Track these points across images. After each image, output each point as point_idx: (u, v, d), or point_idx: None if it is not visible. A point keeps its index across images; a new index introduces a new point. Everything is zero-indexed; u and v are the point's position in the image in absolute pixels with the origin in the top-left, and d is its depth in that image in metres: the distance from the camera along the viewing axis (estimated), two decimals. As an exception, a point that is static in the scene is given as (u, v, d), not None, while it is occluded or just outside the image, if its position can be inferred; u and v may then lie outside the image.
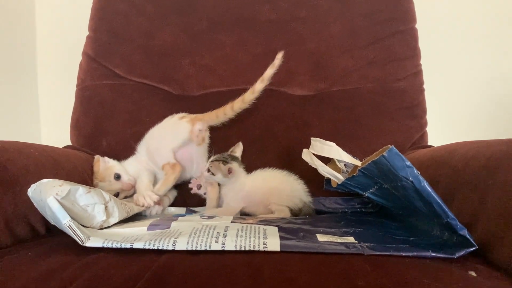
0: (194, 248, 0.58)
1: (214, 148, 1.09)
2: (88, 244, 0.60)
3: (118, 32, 1.22)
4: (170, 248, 0.59)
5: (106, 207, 0.71)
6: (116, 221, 0.73)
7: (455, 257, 0.56)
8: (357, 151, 1.03)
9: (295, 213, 0.96)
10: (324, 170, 0.89)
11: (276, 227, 0.67)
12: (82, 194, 0.67)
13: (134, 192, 1.00)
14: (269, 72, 1.09)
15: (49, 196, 0.61)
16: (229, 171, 0.97)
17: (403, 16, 1.19)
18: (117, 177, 1.00)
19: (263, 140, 1.14)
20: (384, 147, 0.65)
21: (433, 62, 1.29)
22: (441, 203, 0.60)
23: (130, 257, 0.57)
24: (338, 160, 0.98)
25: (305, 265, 0.54)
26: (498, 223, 0.58)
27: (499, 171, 0.61)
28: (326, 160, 0.94)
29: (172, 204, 1.09)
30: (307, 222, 0.77)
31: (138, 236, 0.64)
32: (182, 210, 1.07)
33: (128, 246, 0.59)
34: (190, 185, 1.10)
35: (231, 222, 0.71)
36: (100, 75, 1.20)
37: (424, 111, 1.16)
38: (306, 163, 0.93)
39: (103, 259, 0.57)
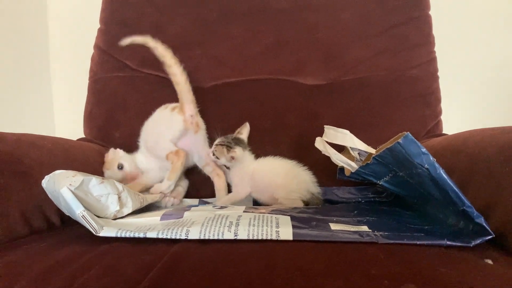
0: (206, 237, 0.59)
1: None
2: (102, 233, 0.61)
3: (129, 24, 1.22)
4: (183, 237, 0.59)
5: (119, 197, 0.71)
6: (130, 211, 0.73)
7: (471, 245, 0.55)
8: (370, 141, 1.01)
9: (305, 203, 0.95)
10: (338, 158, 0.88)
11: (289, 217, 0.66)
12: (95, 185, 0.67)
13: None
14: None
15: (63, 187, 0.62)
16: (232, 158, 0.97)
17: (417, 3, 1.17)
18: (121, 167, 1.00)
19: (275, 130, 1.14)
20: (400, 134, 0.65)
21: (447, 49, 1.26)
22: (457, 190, 0.58)
23: (143, 247, 0.57)
24: (351, 148, 0.97)
25: (318, 253, 0.54)
26: (515, 210, 0.57)
27: (516, 158, 0.59)
28: (340, 149, 0.93)
29: (185, 196, 1.09)
30: (320, 211, 0.76)
31: (151, 226, 0.64)
32: (195, 201, 1.07)
33: (141, 235, 0.60)
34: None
35: (244, 211, 0.71)
36: (112, 67, 1.21)
37: (438, 99, 1.14)
38: (318, 153, 0.92)
39: (117, 248, 0.58)
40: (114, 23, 1.24)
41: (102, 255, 0.55)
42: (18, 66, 1.43)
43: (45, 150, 0.78)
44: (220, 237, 0.58)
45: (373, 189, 0.99)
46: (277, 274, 0.48)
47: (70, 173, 0.66)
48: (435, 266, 0.49)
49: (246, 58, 1.19)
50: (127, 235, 0.60)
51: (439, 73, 1.16)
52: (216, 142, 1.01)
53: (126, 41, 1.06)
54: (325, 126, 0.92)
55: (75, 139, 1.14)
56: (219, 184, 1.06)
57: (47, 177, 0.66)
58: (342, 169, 0.96)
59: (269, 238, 0.58)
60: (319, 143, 0.91)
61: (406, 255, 0.53)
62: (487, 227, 0.56)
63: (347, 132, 0.88)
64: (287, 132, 1.13)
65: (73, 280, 0.48)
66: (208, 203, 1.05)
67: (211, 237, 0.58)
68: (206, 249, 0.55)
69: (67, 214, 0.66)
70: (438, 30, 1.18)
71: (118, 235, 0.60)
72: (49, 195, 0.67)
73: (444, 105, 1.16)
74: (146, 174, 1.05)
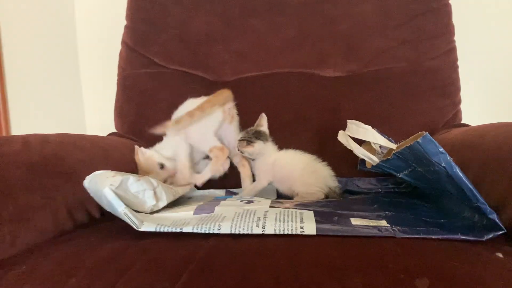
0: (237, 232, 0.64)
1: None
2: (143, 228, 0.66)
3: (155, 21, 1.27)
4: (216, 231, 0.64)
5: (154, 192, 0.77)
6: (165, 204, 0.79)
7: (484, 239, 0.59)
8: (390, 132, 1.04)
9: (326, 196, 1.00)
10: (360, 152, 0.92)
11: (312, 212, 0.71)
12: (132, 183, 0.73)
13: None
14: None
15: (105, 187, 0.67)
16: (252, 152, 1.04)
17: (436, -7, 1.18)
18: (161, 166, 1.05)
19: (296, 122, 1.18)
20: (419, 133, 0.68)
21: (468, 35, 1.27)
22: (472, 188, 0.62)
23: (180, 241, 0.63)
24: (373, 142, 1.00)
25: (339, 248, 0.58)
26: (526, 207, 0.60)
27: (529, 155, 0.62)
28: (361, 140, 0.96)
29: (212, 187, 1.15)
30: (341, 205, 0.81)
31: (185, 220, 0.70)
32: (222, 191, 1.13)
33: (178, 230, 0.65)
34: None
35: (270, 206, 0.76)
36: (140, 63, 1.26)
37: (457, 89, 1.16)
38: (339, 145, 0.96)
39: (156, 244, 0.63)
40: (139, 20, 1.29)
41: (144, 250, 0.61)
42: (48, 64, 1.50)
43: (86, 150, 0.85)
44: (249, 232, 0.63)
45: (392, 179, 1.03)
46: (302, 268, 0.53)
47: (109, 173, 0.72)
48: (449, 259, 0.53)
49: (267, 52, 1.23)
50: (165, 230, 0.66)
51: (459, 62, 1.18)
52: (239, 137, 1.07)
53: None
54: (348, 120, 0.95)
55: (105, 133, 1.21)
56: (244, 173, 1.13)
57: (88, 178, 0.71)
58: (363, 160, 1.00)
59: (294, 233, 0.63)
60: (342, 137, 0.95)
61: (422, 249, 0.57)
62: (500, 223, 0.60)
63: (369, 127, 0.91)
64: (308, 124, 1.17)
65: (121, 274, 0.53)
66: (234, 193, 1.11)
67: (241, 232, 0.64)
68: (237, 244, 0.61)
69: (109, 210, 0.72)
70: (458, 17, 1.19)
71: (157, 230, 0.66)
72: (91, 194, 0.73)
73: (464, 93, 1.17)
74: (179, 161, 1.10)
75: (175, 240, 0.64)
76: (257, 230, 0.63)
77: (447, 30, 1.17)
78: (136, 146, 1.08)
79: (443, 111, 1.13)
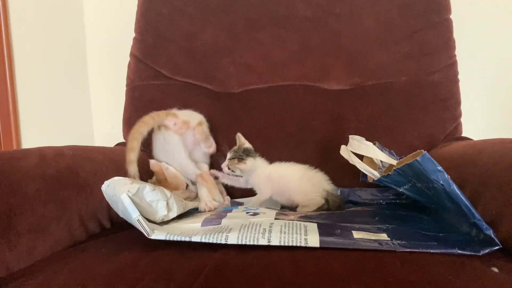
0: (243, 242, 0.66)
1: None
2: (153, 236, 0.69)
3: (163, 34, 1.30)
4: (223, 242, 0.66)
5: (167, 203, 0.80)
6: (175, 215, 0.82)
7: (480, 254, 0.62)
8: (392, 144, 1.07)
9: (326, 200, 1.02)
10: (362, 166, 0.94)
11: (316, 224, 0.74)
12: (148, 192, 0.76)
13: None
14: None
15: (122, 193, 0.70)
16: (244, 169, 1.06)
17: (437, 8, 1.21)
18: (187, 186, 1.08)
19: (300, 134, 1.21)
20: (418, 151, 0.71)
21: (468, 51, 1.30)
22: (469, 205, 0.65)
23: (189, 253, 0.66)
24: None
25: (342, 260, 0.61)
26: (521, 223, 0.63)
27: (525, 173, 0.65)
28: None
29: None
30: (344, 218, 0.84)
31: (194, 231, 0.73)
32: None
33: (187, 239, 0.68)
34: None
35: (275, 218, 0.79)
36: (148, 75, 1.29)
37: (458, 102, 1.19)
38: (342, 156, 0.98)
39: (167, 255, 0.66)
40: (148, 33, 1.32)
41: (155, 261, 0.64)
42: (58, 74, 1.54)
43: (97, 162, 0.88)
44: (256, 243, 0.66)
45: (393, 191, 1.06)
46: (306, 280, 0.55)
47: (127, 180, 0.75)
48: (446, 273, 0.56)
49: (272, 65, 1.26)
50: (174, 239, 0.68)
51: (460, 76, 1.21)
52: (229, 157, 1.09)
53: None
54: (350, 136, 0.97)
55: (113, 143, 1.25)
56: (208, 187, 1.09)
57: (107, 182, 0.74)
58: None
59: (298, 245, 0.65)
60: (344, 151, 0.97)
61: (421, 263, 0.59)
62: (496, 239, 0.62)
63: (370, 144, 0.94)
64: (312, 136, 1.20)
65: (135, 285, 0.56)
66: (239, 203, 1.13)
67: (248, 243, 0.66)
68: (244, 256, 0.64)
69: (122, 216, 0.75)
70: (459, 32, 1.22)
71: (167, 239, 0.68)
72: (107, 199, 0.76)
73: (464, 106, 1.20)
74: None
75: (184, 252, 0.66)
76: (263, 242, 0.66)
77: (448, 45, 1.20)
78: (154, 161, 1.09)
79: (444, 124, 1.16)
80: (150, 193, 0.76)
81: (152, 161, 1.08)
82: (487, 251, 0.62)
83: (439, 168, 0.66)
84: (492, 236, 0.63)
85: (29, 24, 1.42)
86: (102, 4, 1.66)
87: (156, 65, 1.29)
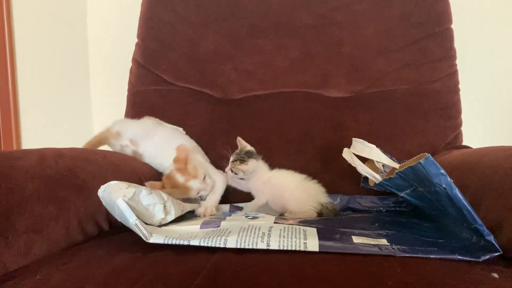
0: (242, 246, 0.65)
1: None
2: (151, 240, 0.68)
3: (165, 40, 1.31)
4: (222, 245, 0.66)
5: (164, 206, 0.79)
6: (173, 218, 0.81)
7: (480, 260, 0.61)
8: (393, 152, 1.07)
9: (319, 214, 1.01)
10: (363, 169, 0.94)
11: (315, 228, 0.73)
12: (145, 195, 0.75)
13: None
14: None
15: (118, 198, 0.70)
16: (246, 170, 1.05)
17: (439, 17, 1.22)
18: (204, 177, 1.04)
19: (300, 141, 1.21)
20: (421, 154, 0.71)
21: (469, 60, 1.30)
22: (470, 210, 0.64)
23: (186, 255, 0.65)
24: (376, 161, 1.03)
25: (341, 265, 0.60)
26: (522, 229, 0.62)
27: (525, 179, 0.65)
28: (365, 158, 0.98)
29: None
30: (343, 223, 0.83)
31: (192, 234, 0.72)
32: (226, 206, 1.15)
33: (185, 243, 0.67)
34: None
35: (274, 222, 0.79)
36: (149, 81, 1.30)
37: (458, 111, 1.19)
38: (342, 163, 0.98)
39: (164, 257, 0.65)
40: (150, 38, 1.33)
41: (152, 263, 0.63)
42: (59, 79, 1.55)
43: (97, 164, 0.88)
44: (254, 247, 0.65)
45: (394, 198, 1.06)
46: (305, 284, 0.55)
47: (123, 184, 0.74)
48: (446, 278, 0.56)
49: (274, 72, 1.27)
50: (173, 242, 0.68)
51: (460, 85, 1.21)
52: (231, 159, 1.09)
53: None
54: (353, 138, 0.97)
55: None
56: None
57: (103, 187, 0.73)
58: (366, 178, 1.02)
59: (297, 249, 0.65)
60: (346, 154, 0.97)
61: (420, 268, 0.59)
62: (496, 244, 0.62)
63: (374, 146, 0.94)
64: (312, 142, 1.20)
65: (131, 286, 0.56)
66: (238, 208, 1.13)
67: (246, 246, 0.65)
68: (242, 259, 0.63)
69: (119, 220, 0.74)
70: (460, 42, 1.23)
71: (165, 242, 0.68)
72: (104, 203, 0.75)
73: (465, 115, 1.20)
74: None
75: (181, 254, 0.66)
76: (262, 245, 0.66)
77: (449, 54, 1.20)
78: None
79: (445, 133, 1.16)
80: (146, 197, 0.76)
81: (180, 146, 1.04)
82: (487, 257, 0.61)
83: (442, 171, 0.66)
84: (493, 241, 0.62)
85: (32, 27, 1.43)
86: (105, 9, 1.67)
87: (158, 71, 1.30)
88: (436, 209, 0.79)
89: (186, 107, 1.25)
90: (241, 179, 1.09)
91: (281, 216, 0.97)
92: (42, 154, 0.79)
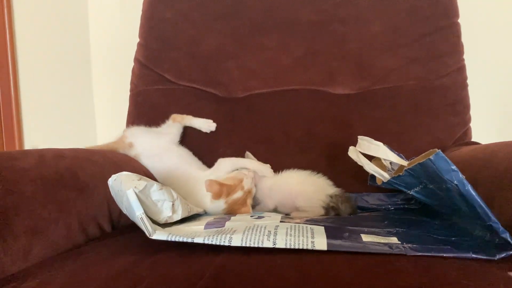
0: (247, 245, 0.63)
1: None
2: (155, 236, 0.66)
3: (167, 39, 1.30)
4: (227, 243, 0.63)
5: (173, 204, 0.77)
6: (179, 218, 0.79)
7: (496, 258, 0.59)
8: (400, 149, 1.04)
9: (328, 208, 0.99)
10: (370, 168, 0.92)
11: (323, 227, 0.71)
12: (155, 190, 0.73)
13: None
14: None
15: (129, 189, 0.68)
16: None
17: (445, 12, 1.19)
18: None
19: (305, 139, 1.19)
20: (431, 150, 0.68)
21: (477, 55, 1.28)
22: (484, 206, 0.62)
23: (191, 256, 0.63)
24: (384, 159, 1.00)
25: (350, 264, 0.58)
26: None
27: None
28: (371, 156, 0.96)
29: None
30: (352, 221, 0.81)
31: (196, 233, 0.70)
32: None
33: (189, 240, 0.65)
34: None
35: (280, 221, 0.77)
36: (152, 80, 1.28)
37: (467, 107, 1.17)
38: (349, 162, 0.95)
39: (167, 258, 0.63)
40: (152, 38, 1.31)
41: (156, 264, 0.61)
42: (62, 79, 1.54)
43: (98, 165, 0.86)
44: (260, 245, 0.63)
45: (402, 195, 1.03)
46: (312, 285, 0.53)
47: (135, 176, 0.72)
48: (460, 278, 0.53)
49: (277, 69, 1.25)
50: (176, 239, 0.65)
51: (468, 80, 1.18)
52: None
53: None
54: (359, 137, 0.94)
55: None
56: None
57: (114, 176, 0.71)
58: (373, 176, 1.00)
59: (305, 248, 0.63)
60: (352, 152, 0.94)
61: (433, 268, 0.57)
62: (512, 242, 0.59)
63: (381, 144, 0.91)
64: (318, 141, 1.18)
65: (133, 288, 0.54)
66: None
67: (252, 245, 0.63)
68: (247, 260, 0.61)
69: (125, 213, 0.72)
70: (467, 36, 1.20)
71: (169, 239, 0.65)
72: (113, 193, 0.73)
73: (474, 111, 1.18)
74: None
75: (185, 255, 0.64)
76: (268, 244, 0.63)
77: (456, 49, 1.18)
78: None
79: (453, 129, 1.14)
80: (157, 192, 0.73)
81: (207, 182, 1.00)
82: (503, 255, 0.59)
83: (454, 167, 0.63)
84: (509, 239, 0.59)
85: (34, 27, 1.42)
86: (106, 9, 1.66)
87: (160, 70, 1.28)
88: (447, 206, 0.76)
89: (189, 106, 1.23)
90: None
91: (287, 215, 0.94)
92: (42, 155, 0.77)
